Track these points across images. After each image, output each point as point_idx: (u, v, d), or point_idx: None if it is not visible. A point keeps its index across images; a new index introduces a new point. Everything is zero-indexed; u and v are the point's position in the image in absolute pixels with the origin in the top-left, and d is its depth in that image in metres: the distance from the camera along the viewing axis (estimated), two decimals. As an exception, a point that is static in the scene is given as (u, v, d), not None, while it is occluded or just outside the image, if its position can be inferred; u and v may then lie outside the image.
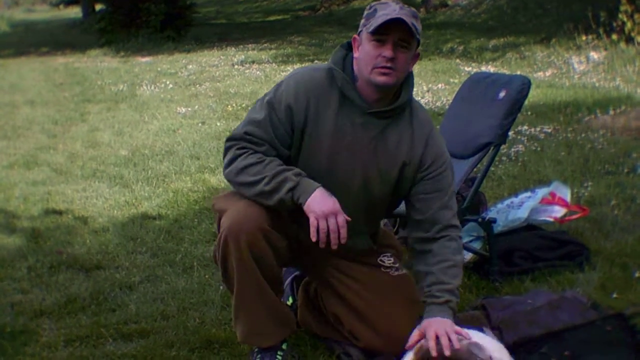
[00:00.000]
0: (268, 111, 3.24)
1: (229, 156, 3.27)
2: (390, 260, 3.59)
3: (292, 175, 3.14)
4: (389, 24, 3.04)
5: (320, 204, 3.11)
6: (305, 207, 3.13)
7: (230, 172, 3.26)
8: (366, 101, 3.22)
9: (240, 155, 3.22)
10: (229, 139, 3.31)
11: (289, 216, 3.30)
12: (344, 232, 3.13)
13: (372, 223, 3.58)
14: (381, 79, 3.12)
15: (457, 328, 3.12)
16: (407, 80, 3.28)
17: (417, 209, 3.36)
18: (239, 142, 3.25)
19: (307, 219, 3.14)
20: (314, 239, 3.13)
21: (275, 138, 3.23)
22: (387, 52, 3.09)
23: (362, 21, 3.18)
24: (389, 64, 3.09)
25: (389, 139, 3.28)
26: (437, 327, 3.10)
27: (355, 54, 3.23)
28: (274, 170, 3.15)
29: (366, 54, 3.14)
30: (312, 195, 3.13)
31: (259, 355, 3.43)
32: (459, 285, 3.31)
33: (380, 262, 3.57)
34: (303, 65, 14.32)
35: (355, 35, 3.23)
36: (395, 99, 3.26)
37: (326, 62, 3.35)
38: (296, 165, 3.26)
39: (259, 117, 3.25)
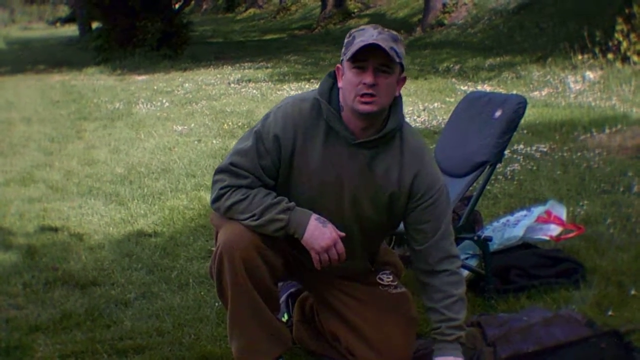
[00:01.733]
0: (255, 141, 3.23)
1: (213, 194, 3.29)
2: (389, 278, 3.59)
3: (280, 214, 3.17)
4: (366, 49, 3.02)
5: (318, 238, 3.17)
6: (303, 242, 3.19)
7: (217, 209, 3.29)
8: (352, 132, 3.21)
9: (223, 195, 3.24)
10: (216, 172, 3.31)
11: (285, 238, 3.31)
12: (343, 256, 3.23)
13: (369, 247, 3.58)
14: (364, 107, 3.10)
15: None
16: (395, 106, 3.26)
17: (414, 239, 3.36)
18: (223, 178, 3.25)
19: (300, 245, 3.24)
20: (318, 269, 3.24)
21: (261, 168, 3.22)
22: (368, 78, 3.06)
23: (343, 50, 3.17)
24: (370, 91, 3.06)
25: (377, 168, 3.26)
26: None
27: (339, 84, 3.21)
28: (262, 207, 3.17)
29: (348, 82, 3.12)
30: (308, 228, 3.17)
31: (254, 372, 3.43)
32: (464, 318, 3.35)
33: (379, 280, 3.57)
34: (300, 84, 14.43)
35: (338, 65, 3.22)
36: (383, 127, 3.24)
37: (312, 90, 3.34)
38: (294, 199, 3.25)
39: (245, 147, 3.25)
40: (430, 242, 3.31)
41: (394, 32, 3.14)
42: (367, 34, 3.08)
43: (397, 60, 3.07)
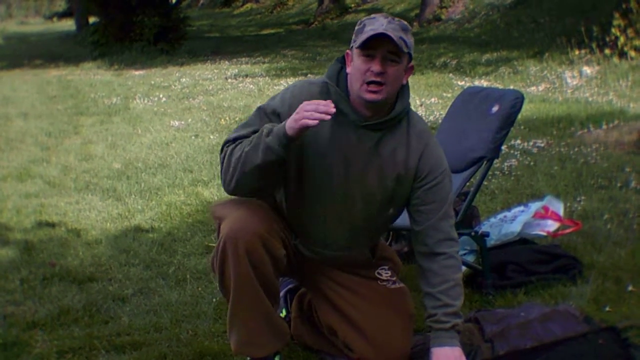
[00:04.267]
0: (260, 117, 3.25)
1: (221, 165, 3.25)
2: (387, 273, 3.59)
3: (267, 126, 3.08)
4: (375, 39, 3.04)
5: (299, 112, 2.97)
6: (287, 125, 3.01)
7: (226, 167, 3.20)
8: (360, 114, 3.22)
9: (228, 152, 3.19)
10: (221, 148, 3.29)
11: (287, 228, 3.31)
12: (331, 107, 2.95)
13: (373, 236, 3.59)
14: (370, 96, 3.12)
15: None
16: (403, 92, 3.28)
17: (416, 220, 3.37)
18: (228, 147, 3.23)
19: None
20: (310, 124, 2.97)
21: None
22: (376, 66, 3.08)
23: (353, 37, 3.19)
24: (378, 79, 3.09)
25: (384, 150, 3.27)
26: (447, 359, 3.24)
27: (348, 69, 3.23)
28: (254, 135, 3.12)
29: (356, 70, 3.14)
30: (287, 123, 3.01)
31: (251, 366, 3.43)
32: (461, 304, 3.34)
33: (377, 275, 3.57)
34: (296, 78, 14.43)
35: (348, 51, 3.24)
36: (390, 111, 3.26)
37: (321, 76, 3.36)
38: (299, 179, 3.27)
39: (251, 121, 3.27)
40: (430, 222, 3.32)
41: (404, 22, 3.16)
42: (377, 23, 3.10)
43: (406, 50, 3.10)
